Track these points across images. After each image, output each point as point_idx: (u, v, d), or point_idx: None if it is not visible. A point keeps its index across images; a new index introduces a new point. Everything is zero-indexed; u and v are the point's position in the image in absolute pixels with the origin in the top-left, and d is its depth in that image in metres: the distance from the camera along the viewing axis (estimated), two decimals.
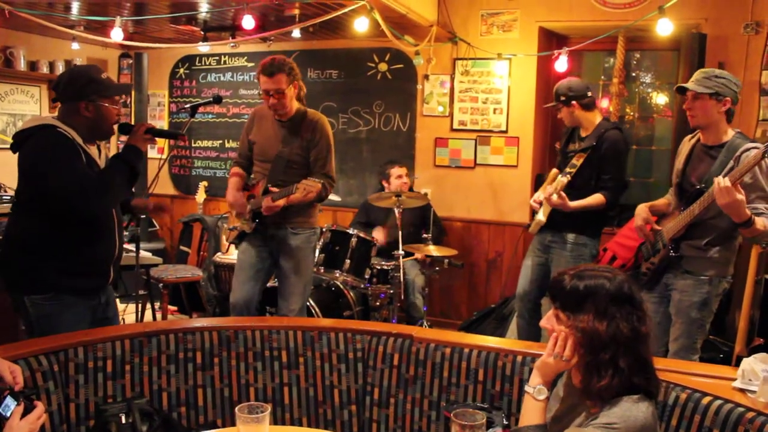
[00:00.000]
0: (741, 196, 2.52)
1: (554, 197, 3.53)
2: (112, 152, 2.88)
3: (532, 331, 4.09)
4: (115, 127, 2.73)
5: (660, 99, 5.33)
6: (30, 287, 2.54)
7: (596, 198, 3.61)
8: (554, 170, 3.95)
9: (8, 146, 2.63)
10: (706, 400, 1.92)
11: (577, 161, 3.65)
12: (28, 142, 2.51)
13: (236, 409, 1.66)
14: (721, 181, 2.54)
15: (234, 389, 2.49)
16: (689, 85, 2.89)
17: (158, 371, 2.40)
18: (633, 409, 1.54)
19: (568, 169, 3.65)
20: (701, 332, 2.95)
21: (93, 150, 2.66)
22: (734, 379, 2.00)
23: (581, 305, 1.61)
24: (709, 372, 2.16)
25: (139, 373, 2.37)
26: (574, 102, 3.69)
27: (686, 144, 3.05)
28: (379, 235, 4.80)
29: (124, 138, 2.79)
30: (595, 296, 1.60)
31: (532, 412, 1.71)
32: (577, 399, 1.70)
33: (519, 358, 2.32)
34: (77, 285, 2.59)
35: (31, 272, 2.54)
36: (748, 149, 2.74)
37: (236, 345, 2.51)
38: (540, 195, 3.80)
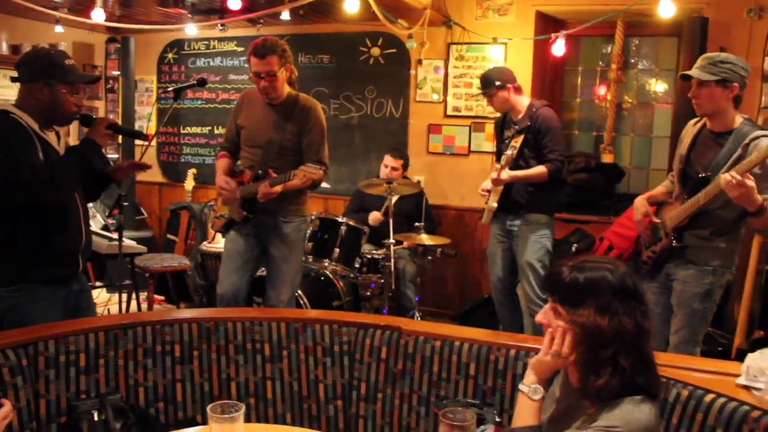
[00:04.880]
0: (751, 183, 2.40)
1: (503, 174, 3.66)
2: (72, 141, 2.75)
3: (515, 319, 4.09)
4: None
5: (659, 86, 5.21)
6: None
7: (539, 169, 3.73)
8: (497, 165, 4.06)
9: None
10: (708, 397, 1.83)
11: (516, 143, 3.77)
12: None
13: (208, 408, 1.55)
14: (731, 177, 2.42)
15: (214, 384, 2.39)
16: (693, 72, 2.76)
17: (134, 365, 2.29)
18: (635, 411, 1.44)
19: (508, 151, 3.78)
20: (703, 324, 2.85)
21: (51, 136, 2.54)
22: (738, 375, 1.90)
23: (581, 299, 1.49)
24: (711, 367, 2.06)
25: (114, 367, 2.26)
26: (509, 85, 3.83)
27: (690, 129, 2.92)
28: (374, 217, 4.68)
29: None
30: (597, 289, 1.49)
31: (526, 412, 1.60)
32: (574, 399, 1.59)
33: (512, 353, 2.22)
34: (44, 275, 2.48)
35: None
36: (757, 137, 2.62)
37: (216, 337, 2.40)
38: (487, 183, 3.91)
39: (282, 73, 3.29)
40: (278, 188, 3.21)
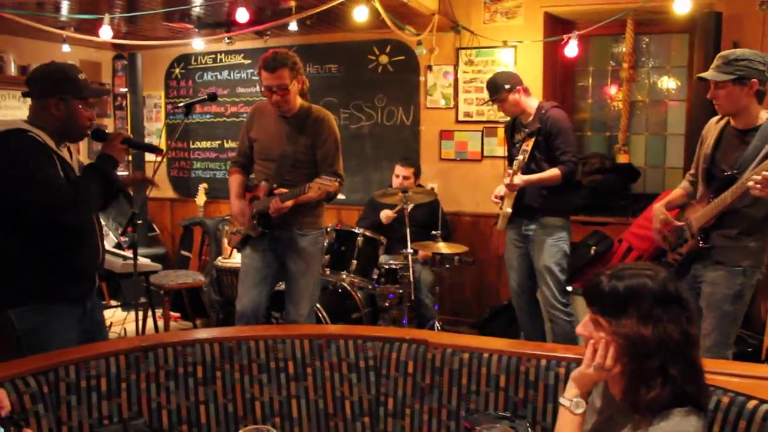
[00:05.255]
0: None
1: (516, 179, 3.61)
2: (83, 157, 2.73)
3: (536, 325, 4.02)
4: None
5: (671, 84, 5.15)
6: (13, 300, 2.40)
7: (552, 171, 3.68)
8: (507, 166, 4.01)
9: None
10: (751, 404, 1.75)
11: (527, 146, 3.72)
12: None
13: None
14: (760, 176, 2.35)
15: (238, 404, 2.33)
16: (709, 74, 2.70)
17: (157, 388, 2.24)
18: (683, 423, 1.38)
19: (520, 155, 3.72)
20: (734, 326, 2.79)
21: (65, 153, 2.52)
22: None
23: (623, 309, 1.44)
24: (749, 372, 1.98)
25: (137, 390, 2.21)
26: (518, 87, 3.79)
27: (713, 127, 2.86)
28: (386, 214, 4.63)
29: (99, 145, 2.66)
30: (638, 298, 1.43)
31: (568, 426, 1.55)
32: (615, 410, 1.53)
33: (543, 362, 2.15)
34: (63, 292, 2.46)
35: (13, 283, 2.40)
36: None
37: (239, 357, 2.35)
38: (500, 189, 3.86)
39: (294, 85, 3.25)
40: (289, 203, 3.18)
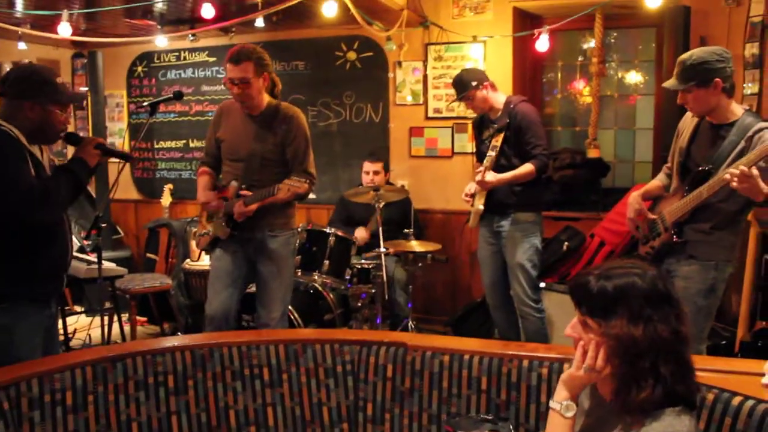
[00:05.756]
0: (756, 171, 2.34)
1: (488, 176, 3.57)
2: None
3: (511, 322, 3.98)
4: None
5: (639, 78, 5.18)
6: None
7: (526, 167, 3.64)
8: (476, 163, 4.00)
9: None
10: (736, 400, 1.74)
11: (497, 142, 3.69)
12: None
13: None
14: (738, 170, 2.34)
15: (212, 413, 2.25)
16: (671, 84, 2.72)
17: (126, 399, 2.14)
18: (676, 423, 1.35)
19: (490, 151, 3.69)
20: (708, 320, 2.79)
21: (35, 150, 2.46)
22: (762, 374, 1.82)
23: (612, 309, 1.40)
24: (730, 367, 1.97)
25: (104, 403, 2.11)
26: (486, 83, 3.76)
27: (689, 120, 2.85)
28: (361, 234, 4.57)
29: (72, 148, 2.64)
30: (628, 297, 1.39)
31: (558, 430, 1.50)
32: (605, 411, 1.49)
33: (525, 363, 2.12)
34: (33, 291, 2.42)
35: None
36: (761, 129, 2.55)
37: (212, 364, 2.27)
38: (471, 187, 3.82)
39: (258, 81, 3.17)
40: (254, 206, 3.11)
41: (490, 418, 2.08)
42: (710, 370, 1.92)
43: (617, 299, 1.40)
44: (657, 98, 4.86)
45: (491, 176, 3.59)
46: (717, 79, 2.62)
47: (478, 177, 3.60)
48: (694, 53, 2.69)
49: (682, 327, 1.41)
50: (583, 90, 5.21)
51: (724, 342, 3.56)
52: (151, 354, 2.21)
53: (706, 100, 2.66)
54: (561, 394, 1.52)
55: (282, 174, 3.15)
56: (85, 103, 6.31)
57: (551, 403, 1.54)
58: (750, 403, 1.71)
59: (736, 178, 2.33)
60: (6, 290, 2.36)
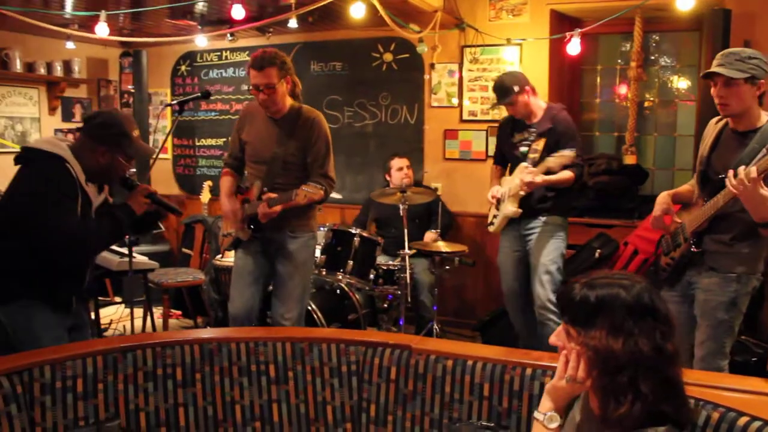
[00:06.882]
0: (765, 192, 2.24)
1: (537, 178, 3.50)
2: None
3: (531, 328, 3.92)
4: None
5: (681, 83, 5.03)
6: (4, 297, 2.44)
7: (566, 174, 3.61)
8: (495, 166, 4.06)
9: (6, 150, 2.55)
10: (742, 420, 1.66)
11: (538, 146, 3.62)
12: (33, 166, 2.45)
13: None
14: (743, 171, 2.25)
15: (218, 407, 2.28)
16: (721, 69, 2.52)
17: (135, 389, 2.20)
18: None
19: (531, 155, 3.63)
20: (730, 335, 2.67)
21: (91, 189, 2.56)
22: None
23: (593, 319, 1.36)
24: (744, 386, 1.89)
25: (114, 392, 2.17)
26: (527, 87, 3.71)
27: (712, 128, 2.75)
28: (431, 237, 4.59)
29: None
30: (609, 308, 1.35)
31: None
32: (595, 426, 1.45)
33: (528, 371, 2.08)
34: (49, 294, 2.49)
35: (4, 281, 2.45)
36: None
37: (220, 359, 2.31)
38: (499, 190, 3.82)
39: (282, 85, 3.20)
40: (278, 208, 3.13)
41: (491, 425, 2.06)
42: (720, 387, 1.86)
43: (599, 309, 1.36)
44: (699, 104, 4.71)
45: (540, 178, 3.55)
46: (762, 81, 2.52)
47: (528, 178, 3.52)
48: (748, 49, 2.58)
49: (668, 344, 1.35)
50: (626, 94, 5.09)
51: (755, 359, 3.41)
52: (161, 346, 2.26)
53: (746, 99, 2.53)
54: (545, 405, 1.49)
55: (302, 177, 3.19)
56: (131, 100, 6.49)
57: (535, 414, 1.51)
58: (757, 424, 1.64)
59: (735, 183, 2.24)
60: (22, 290, 2.45)
